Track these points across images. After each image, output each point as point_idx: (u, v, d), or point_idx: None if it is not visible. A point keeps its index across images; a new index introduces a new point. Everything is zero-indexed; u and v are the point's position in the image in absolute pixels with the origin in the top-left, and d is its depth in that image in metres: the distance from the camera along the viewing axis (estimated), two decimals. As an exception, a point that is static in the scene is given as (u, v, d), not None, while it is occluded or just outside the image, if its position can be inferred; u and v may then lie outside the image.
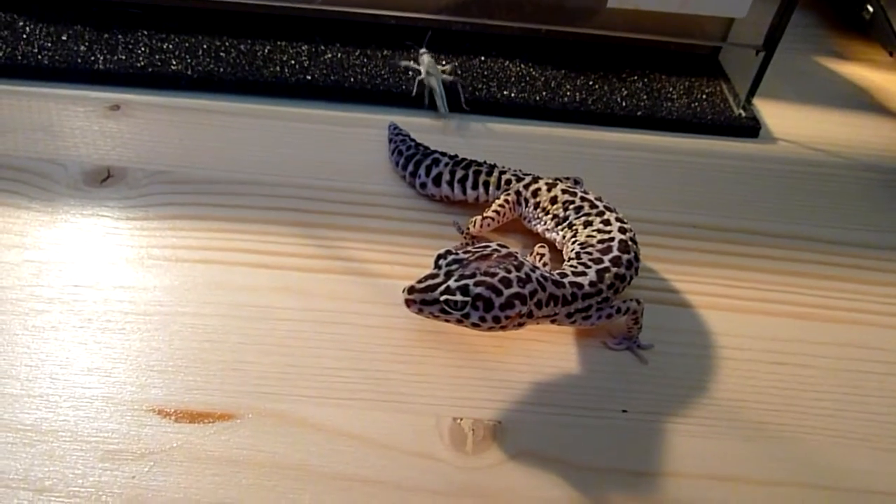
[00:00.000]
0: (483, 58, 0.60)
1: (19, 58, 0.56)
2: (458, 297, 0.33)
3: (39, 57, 0.56)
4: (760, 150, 0.57)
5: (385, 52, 0.59)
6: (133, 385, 0.36)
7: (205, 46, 0.58)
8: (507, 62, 0.60)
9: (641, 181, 0.52)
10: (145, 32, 0.59)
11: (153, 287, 0.41)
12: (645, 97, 0.58)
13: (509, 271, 0.34)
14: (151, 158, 0.49)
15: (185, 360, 0.37)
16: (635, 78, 0.60)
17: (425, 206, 0.48)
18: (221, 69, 0.56)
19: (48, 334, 0.38)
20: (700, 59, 0.63)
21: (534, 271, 0.35)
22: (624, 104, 0.57)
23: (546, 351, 0.40)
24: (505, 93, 0.57)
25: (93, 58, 0.56)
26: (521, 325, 0.35)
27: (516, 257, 0.35)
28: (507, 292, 0.33)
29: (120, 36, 0.59)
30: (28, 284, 0.40)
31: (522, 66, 0.60)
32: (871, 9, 0.67)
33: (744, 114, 0.58)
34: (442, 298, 0.33)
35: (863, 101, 0.63)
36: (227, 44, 0.58)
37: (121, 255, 0.43)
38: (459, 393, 0.37)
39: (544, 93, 0.57)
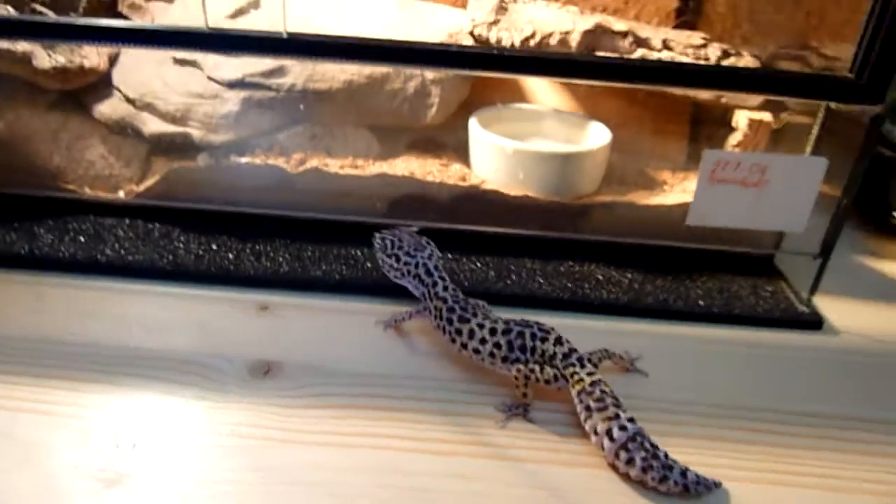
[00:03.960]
0: (570, 262, 0.70)
1: (180, 263, 0.65)
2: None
3: (197, 263, 0.66)
4: (825, 341, 0.64)
5: (531, 265, 0.69)
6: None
7: (335, 252, 0.68)
8: (593, 266, 0.70)
9: (717, 370, 0.59)
10: (282, 241, 0.69)
11: (333, 469, 0.47)
12: (718, 295, 0.67)
13: None
14: (303, 353, 0.57)
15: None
16: (705, 279, 0.69)
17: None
18: (355, 275, 0.65)
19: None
20: (758, 261, 0.72)
21: None
22: (701, 303, 0.65)
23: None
24: (596, 294, 0.65)
25: (241, 265, 0.66)
26: None
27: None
28: None
29: (261, 245, 0.69)
30: (216, 466, 0.46)
31: (605, 269, 0.69)
32: (898, 216, 0.77)
33: (807, 310, 0.66)
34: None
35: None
36: (357, 252, 0.68)
37: (294, 440, 0.49)
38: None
39: (630, 294, 0.66)
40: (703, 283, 0.69)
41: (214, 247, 0.68)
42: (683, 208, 0.68)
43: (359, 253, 0.68)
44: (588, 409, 0.48)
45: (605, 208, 0.71)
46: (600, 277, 0.68)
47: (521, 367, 0.51)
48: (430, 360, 0.57)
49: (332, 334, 0.59)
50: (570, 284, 0.66)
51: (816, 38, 0.74)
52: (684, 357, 0.60)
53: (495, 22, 0.71)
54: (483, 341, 0.52)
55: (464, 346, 0.53)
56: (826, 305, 0.68)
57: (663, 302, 0.65)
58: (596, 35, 0.68)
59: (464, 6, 0.77)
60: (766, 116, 0.73)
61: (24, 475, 0.45)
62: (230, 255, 0.67)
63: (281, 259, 0.67)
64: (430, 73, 0.71)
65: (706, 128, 0.81)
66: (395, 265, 0.58)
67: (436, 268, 0.57)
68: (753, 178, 0.58)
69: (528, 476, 0.47)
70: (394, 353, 0.58)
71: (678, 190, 0.74)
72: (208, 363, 0.55)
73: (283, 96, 0.69)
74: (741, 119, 0.74)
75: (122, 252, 0.66)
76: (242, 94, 0.69)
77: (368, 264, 0.67)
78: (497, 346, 0.52)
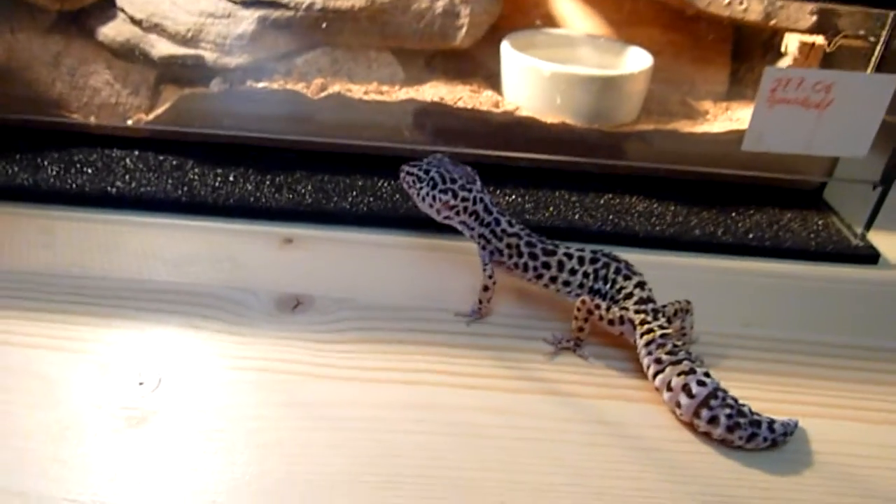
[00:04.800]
0: (610, 195, 0.66)
1: (196, 195, 0.61)
2: None
3: (214, 195, 0.61)
4: (883, 275, 0.60)
5: (570, 196, 0.65)
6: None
7: (360, 184, 0.64)
8: (633, 198, 0.66)
9: (772, 304, 0.55)
10: (304, 173, 0.65)
11: (369, 405, 0.43)
12: (767, 228, 0.63)
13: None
14: (333, 287, 0.53)
15: (416, 476, 0.39)
16: (752, 211, 0.65)
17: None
18: (383, 206, 0.61)
19: (273, 449, 0.40)
20: (806, 194, 0.68)
21: None
22: (751, 235, 0.62)
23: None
24: (641, 226, 0.62)
25: (262, 197, 0.62)
26: None
27: None
28: None
29: (281, 177, 0.64)
30: (246, 403, 0.43)
31: (647, 201, 0.65)
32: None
33: (861, 243, 0.62)
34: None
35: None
36: (384, 183, 0.64)
37: (327, 375, 0.45)
38: (680, 508, 0.39)
39: (675, 227, 0.62)
40: (751, 216, 0.65)
41: (232, 178, 0.64)
42: (731, 136, 0.64)
43: (385, 184, 0.64)
44: (659, 361, 0.43)
45: (646, 137, 0.67)
46: (642, 209, 0.64)
47: (587, 298, 0.47)
48: (466, 294, 0.53)
49: (362, 268, 0.56)
50: (612, 217, 0.62)
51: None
52: (736, 290, 0.57)
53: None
54: (573, 272, 0.49)
55: (553, 279, 0.49)
56: (876, 239, 0.64)
57: (711, 235, 0.61)
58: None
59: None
60: (819, 40, 0.68)
61: (46, 414, 0.41)
62: (249, 187, 0.63)
63: (303, 190, 0.63)
64: (458, -9, 0.66)
65: (748, 55, 0.76)
66: (453, 202, 0.49)
67: (492, 202, 0.50)
68: (816, 97, 0.54)
69: (582, 411, 0.44)
70: (428, 287, 0.54)
71: (723, 119, 0.70)
72: (232, 297, 0.52)
73: (302, 16, 0.64)
74: (791, 43, 0.69)
75: (134, 184, 0.62)
76: (258, 13, 0.64)
77: (397, 196, 0.63)
78: (586, 275, 0.49)
